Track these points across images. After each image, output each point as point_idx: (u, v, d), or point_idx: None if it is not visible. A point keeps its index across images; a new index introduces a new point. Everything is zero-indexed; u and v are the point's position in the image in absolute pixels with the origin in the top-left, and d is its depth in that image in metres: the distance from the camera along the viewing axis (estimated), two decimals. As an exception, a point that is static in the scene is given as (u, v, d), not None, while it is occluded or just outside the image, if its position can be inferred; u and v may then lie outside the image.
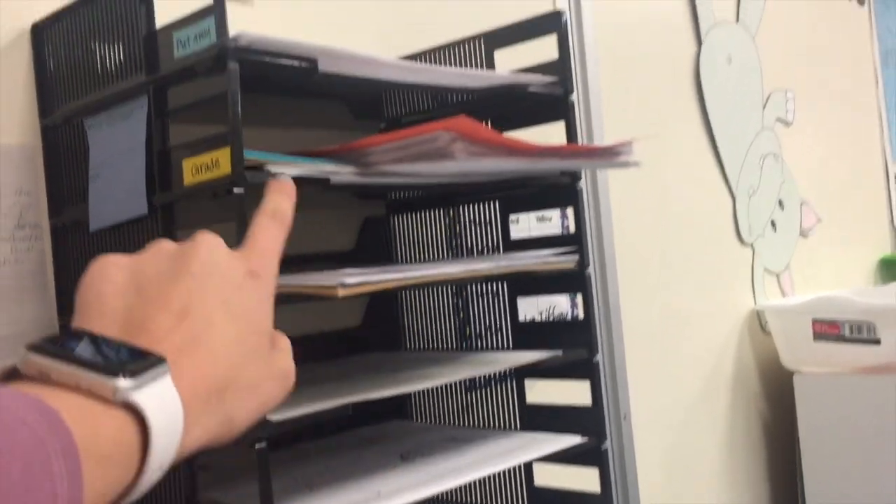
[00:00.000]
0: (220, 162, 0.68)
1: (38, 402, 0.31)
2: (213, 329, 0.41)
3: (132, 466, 0.35)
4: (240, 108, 0.67)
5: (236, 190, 0.67)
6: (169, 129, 0.74)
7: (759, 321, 2.01)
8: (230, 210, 0.67)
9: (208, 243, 0.45)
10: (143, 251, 0.45)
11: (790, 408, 1.92)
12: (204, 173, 0.70)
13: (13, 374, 0.36)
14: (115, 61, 0.77)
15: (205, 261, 0.43)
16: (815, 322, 1.86)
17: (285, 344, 0.46)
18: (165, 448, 0.36)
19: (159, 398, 0.36)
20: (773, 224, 2.11)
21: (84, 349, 0.36)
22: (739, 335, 1.96)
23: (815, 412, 1.86)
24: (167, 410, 0.36)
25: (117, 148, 0.76)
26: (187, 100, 0.75)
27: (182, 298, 0.41)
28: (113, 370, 0.35)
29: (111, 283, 0.42)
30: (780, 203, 2.15)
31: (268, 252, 0.48)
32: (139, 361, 0.36)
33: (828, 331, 1.84)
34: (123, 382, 0.35)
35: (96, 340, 0.37)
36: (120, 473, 0.35)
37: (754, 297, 2.02)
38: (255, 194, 0.69)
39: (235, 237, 0.67)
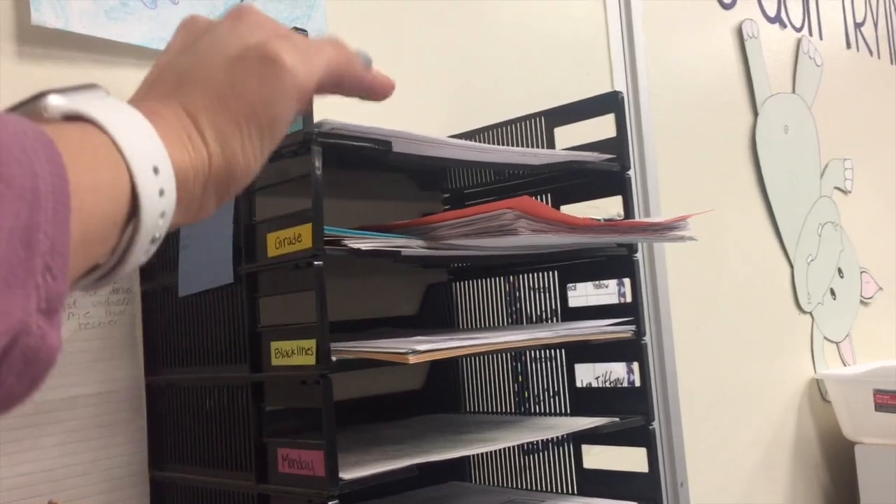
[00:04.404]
0: (302, 237, 0.74)
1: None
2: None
3: (118, 175, 0.33)
4: (321, 189, 0.74)
5: (316, 263, 0.73)
6: (255, 204, 0.81)
7: (819, 390, 2.00)
8: (310, 280, 0.73)
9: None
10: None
11: (852, 479, 1.89)
12: (286, 246, 0.76)
13: None
14: (207, 142, 0.84)
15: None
16: (876, 393, 1.84)
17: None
18: (144, 152, 0.34)
19: (103, 106, 0.34)
20: (832, 292, 2.11)
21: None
22: (799, 404, 1.94)
23: (878, 484, 1.83)
24: (120, 116, 0.35)
25: (207, 221, 0.83)
26: (272, 173, 0.82)
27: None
28: (44, 94, 0.34)
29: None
30: (840, 271, 2.14)
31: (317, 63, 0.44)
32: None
33: (889, 402, 1.82)
34: (53, 98, 0.34)
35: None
36: (105, 178, 0.33)
37: (814, 365, 2.01)
38: (334, 266, 0.75)
39: (316, 306, 0.72)
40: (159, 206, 0.35)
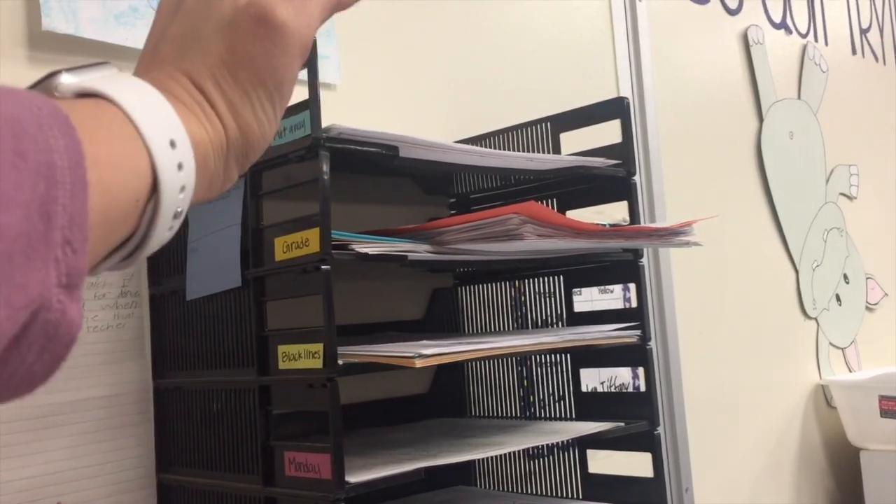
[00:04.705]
0: (309, 241, 0.74)
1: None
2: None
3: (135, 150, 0.33)
4: (329, 193, 0.74)
5: (324, 267, 0.73)
6: (262, 208, 0.81)
7: (824, 396, 1.99)
8: (317, 284, 0.74)
9: None
10: None
11: (857, 485, 1.89)
12: (294, 251, 0.76)
13: None
14: (215, 146, 0.85)
15: None
16: (881, 399, 1.84)
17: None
18: (159, 126, 0.34)
19: (115, 82, 0.35)
20: (837, 298, 2.10)
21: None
22: (804, 410, 1.94)
23: (883, 490, 1.82)
24: (134, 92, 0.35)
25: (215, 225, 0.84)
26: (280, 177, 0.82)
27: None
28: (56, 73, 0.35)
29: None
30: (845, 277, 2.14)
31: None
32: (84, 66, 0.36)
33: (895, 408, 1.82)
34: (64, 76, 0.34)
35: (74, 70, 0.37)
36: (123, 152, 0.33)
37: (819, 371, 2.01)
38: (340, 270, 0.75)
39: (323, 310, 0.73)
40: (178, 180, 0.35)
